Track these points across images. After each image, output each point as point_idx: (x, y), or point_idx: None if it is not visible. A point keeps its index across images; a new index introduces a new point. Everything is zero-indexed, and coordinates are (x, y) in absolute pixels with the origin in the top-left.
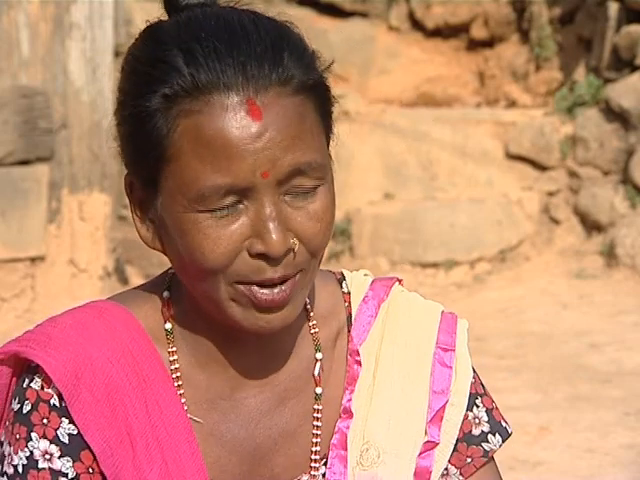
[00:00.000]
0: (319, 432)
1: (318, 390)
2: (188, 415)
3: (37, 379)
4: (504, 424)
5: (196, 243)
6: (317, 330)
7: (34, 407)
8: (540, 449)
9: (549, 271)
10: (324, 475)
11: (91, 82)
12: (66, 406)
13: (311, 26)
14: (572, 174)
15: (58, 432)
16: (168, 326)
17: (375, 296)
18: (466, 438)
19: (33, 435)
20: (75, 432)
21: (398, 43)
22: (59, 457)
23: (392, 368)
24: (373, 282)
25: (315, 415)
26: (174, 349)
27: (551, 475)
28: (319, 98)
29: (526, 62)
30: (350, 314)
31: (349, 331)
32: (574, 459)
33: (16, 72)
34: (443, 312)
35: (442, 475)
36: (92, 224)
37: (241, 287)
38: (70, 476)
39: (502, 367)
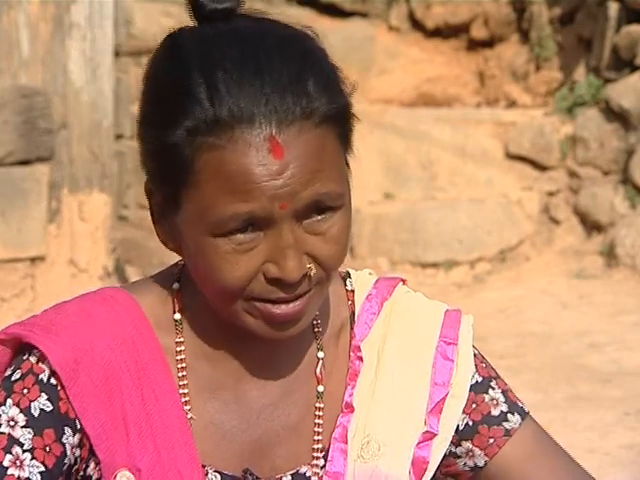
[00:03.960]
0: (321, 430)
1: (320, 388)
2: (185, 408)
3: (35, 355)
4: (520, 404)
5: (215, 266)
6: (320, 329)
7: (22, 377)
8: None
9: (549, 271)
10: (323, 467)
11: (91, 82)
12: (56, 385)
13: (311, 26)
14: (572, 174)
15: (32, 404)
16: (177, 317)
17: (378, 294)
18: (486, 420)
19: (8, 401)
20: (49, 409)
21: (398, 43)
22: (22, 427)
23: (395, 363)
24: (377, 281)
25: (317, 413)
26: (182, 340)
27: None
28: (341, 123)
29: (526, 62)
30: (353, 312)
31: (352, 328)
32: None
33: (16, 72)
34: (447, 310)
35: (468, 456)
36: (92, 224)
37: (256, 303)
38: (25, 447)
39: (502, 367)
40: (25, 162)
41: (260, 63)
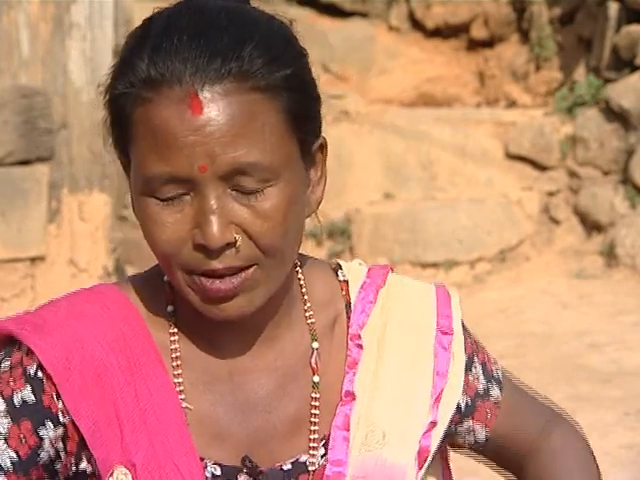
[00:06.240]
0: (317, 420)
1: (315, 379)
2: (180, 399)
3: (25, 348)
4: (495, 373)
5: (147, 227)
6: (313, 320)
7: (11, 367)
8: None
9: (549, 271)
10: (323, 456)
11: (91, 82)
12: (42, 378)
13: (311, 26)
14: (572, 174)
15: (15, 394)
16: (170, 309)
17: (373, 283)
18: (478, 396)
19: None
20: (31, 401)
21: (398, 43)
22: (1, 415)
23: (397, 352)
24: (369, 270)
25: (313, 404)
26: (175, 330)
27: None
28: (288, 98)
29: (526, 62)
30: (349, 302)
31: (348, 318)
32: None
33: (16, 72)
34: (436, 291)
35: (469, 433)
36: (92, 224)
37: (194, 277)
38: (1, 434)
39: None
40: (25, 162)
41: (201, 29)
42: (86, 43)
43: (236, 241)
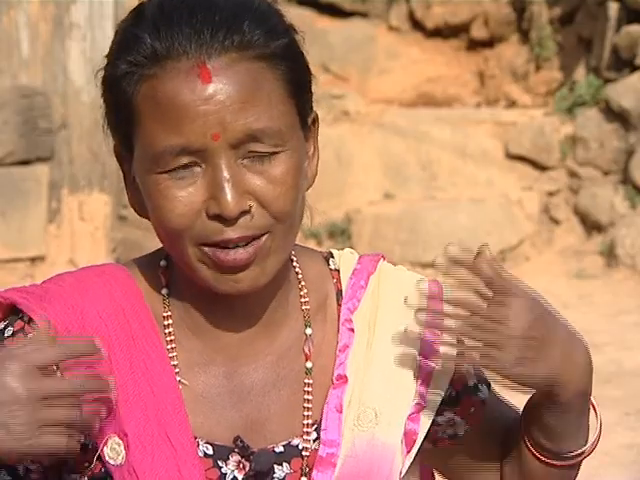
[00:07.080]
0: (310, 405)
1: (308, 364)
2: (177, 380)
3: (27, 316)
4: (482, 373)
5: (157, 204)
6: (308, 307)
7: (14, 334)
8: None
9: (549, 271)
10: (315, 440)
11: (91, 82)
12: None
13: (311, 26)
14: (572, 174)
15: None
16: (165, 291)
17: (363, 269)
18: (466, 390)
19: None
20: None
21: (398, 43)
22: None
23: (387, 335)
24: (360, 257)
25: (306, 389)
26: (169, 313)
27: None
28: (287, 67)
29: (526, 62)
30: (340, 290)
31: (339, 305)
32: None
33: (16, 72)
34: (427, 281)
35: (449, 425)
36: (92, 224)
37: (205, 249)
38: None
39: None
40: (25, 162)
41: (198, 8)
42: (86, 43)
43: (251, 208)
